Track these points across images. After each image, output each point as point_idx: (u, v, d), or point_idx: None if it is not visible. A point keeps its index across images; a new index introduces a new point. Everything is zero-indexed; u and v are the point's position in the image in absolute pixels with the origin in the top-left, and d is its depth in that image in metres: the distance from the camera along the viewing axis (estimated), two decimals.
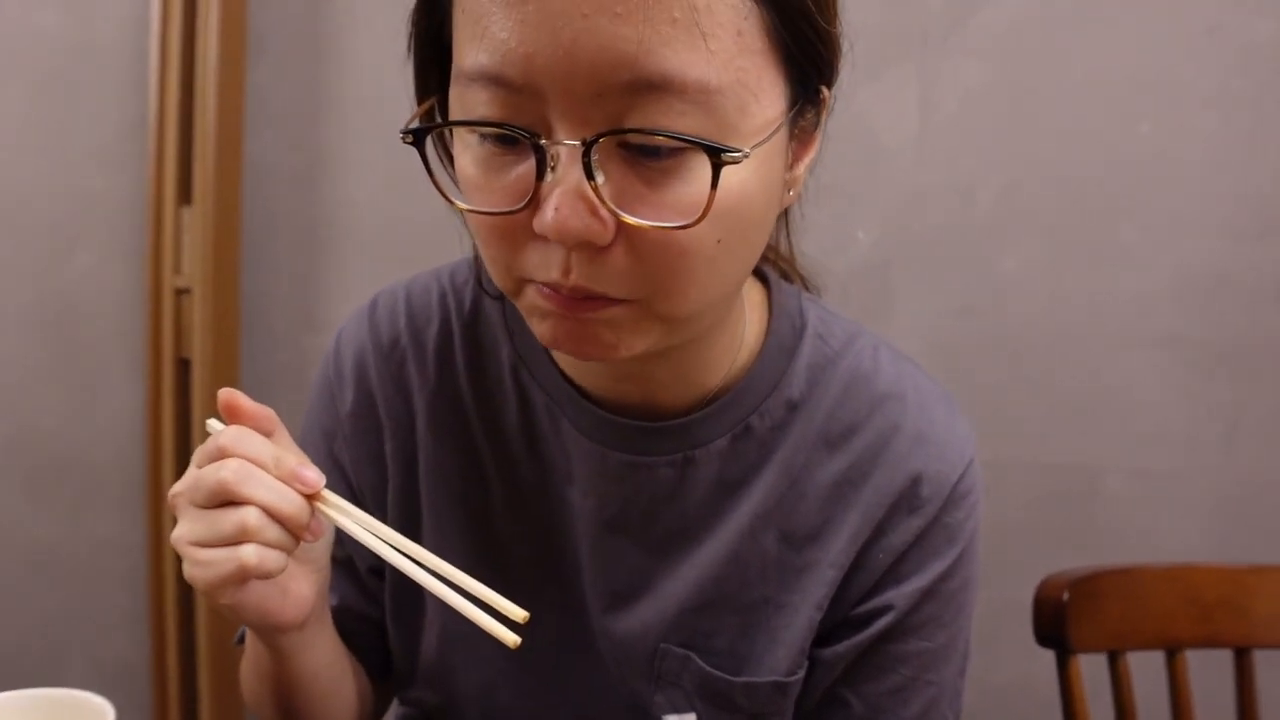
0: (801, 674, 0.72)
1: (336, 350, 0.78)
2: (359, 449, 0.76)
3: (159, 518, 1.65)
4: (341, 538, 0.66)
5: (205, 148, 1.58)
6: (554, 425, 0.72)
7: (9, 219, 1.64)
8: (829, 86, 0.61)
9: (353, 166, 1.62)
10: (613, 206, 0.53)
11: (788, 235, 0.76)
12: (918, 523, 0.70)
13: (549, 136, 0.53)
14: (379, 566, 0.77)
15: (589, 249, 0.54)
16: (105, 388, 1.68)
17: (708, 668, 0.72)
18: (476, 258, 0.75)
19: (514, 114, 0.53)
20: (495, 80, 0.53)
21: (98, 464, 1.69)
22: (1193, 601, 1.05)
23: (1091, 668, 1.04)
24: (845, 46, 0.60)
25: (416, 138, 0.58)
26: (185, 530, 0.59)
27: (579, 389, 0.71)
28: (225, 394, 0.62)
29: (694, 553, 0.72)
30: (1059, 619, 1.01)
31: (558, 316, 0.57)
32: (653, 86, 0.51)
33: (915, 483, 0.70)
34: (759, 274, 0.74)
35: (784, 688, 0.71)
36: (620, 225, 0.54)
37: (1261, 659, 1.05)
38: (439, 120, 0.62)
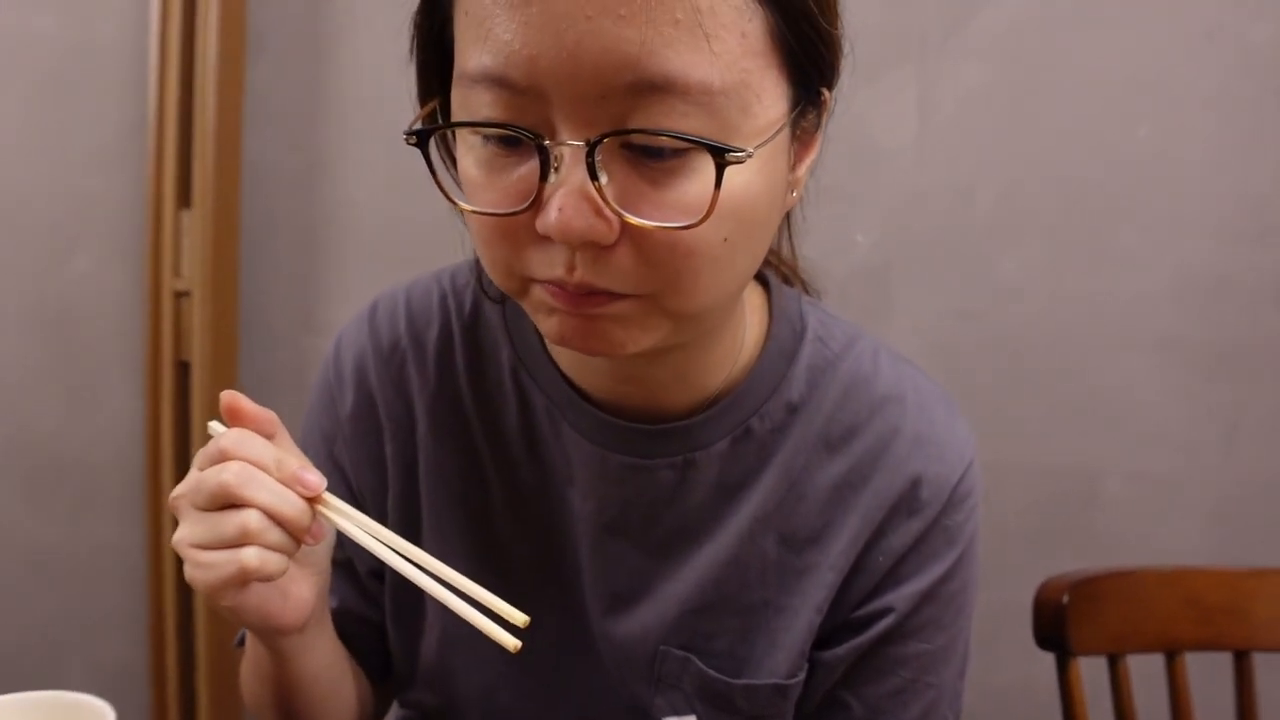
0: (801, 676, 0.72)
1: (336, 353, 0.78)
2: (359, 451, 0.76)
3: (158, 520, 1.65)
4: (341, 540, 0.66)
5: (204, 149, 1.58)
6: (554, 427, 0.72)
7: (8, 220, 1.64)
8: (830, 88, 0.61)
9: (352, 168, 1.62)
10: (616, 207, 0.53)
11: (789, 238, 0.76)
12: (917, 525, 0.70)
13: (552, 137, 0.53)
14: (379, 569, 0.77)
15: (593, 248, 0.54)
16: (104, 390, 1.68)
17: (708, 670, 0.72)
18: (477, 260, 0.75)
19: (517, 115, 0.53)
20: (499, 82, 0.53)
21: (97, 466, 1.69)
22: (1193, 604, 1.05)
23: (1091, 670, 1.04)
24: (846, 48, 0.61)
25: (420, 139, 0.58)
26: (186, 532, 0.59)
27: (579, 391, 0.71)
28: (227, 396, 0.62)
29: (694, 555, 0.72)
30: (1059, 621, 1.01)
31: (564, 313, 0.58)
32: (656, 88, 0.51)
33: (915, 485, 0.70)
34: (759, 277, 0.75)
35: (784, 690, 0.71)
36: (625, 225, 0.54)
37: (1261, 662, 1.05)
38: (441, 122, 0.62)
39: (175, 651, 1.64)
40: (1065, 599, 1.01)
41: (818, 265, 0.80)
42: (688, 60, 0.51)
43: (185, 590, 1.63)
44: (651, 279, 0.56)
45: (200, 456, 0.61)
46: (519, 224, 0.55)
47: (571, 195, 0.53)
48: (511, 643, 0.56)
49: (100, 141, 1.63)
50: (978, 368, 1.43)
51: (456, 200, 0.58)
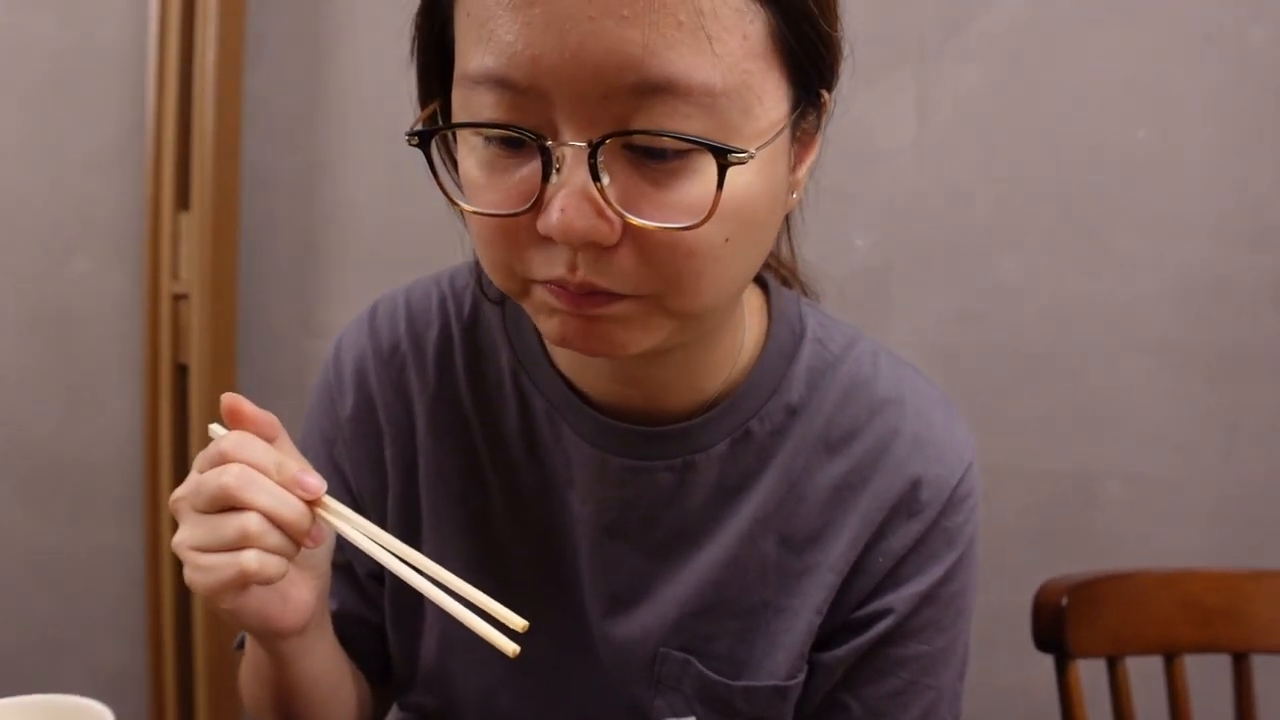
0: (801, 678, 0.72)
1: (336, 356, 0.78)
2: (359, 453, 0.76)
3: (156, 522, 1.65)
4: (341, 543, 0.66)
5: (203, 152, 1.58)
6: (554, 430, 0.72)
7: (7, 222, 1.64)
8: (829, 90, 0.61)
9: (351, 170, 1.62)
10: (618, 208, 0.53)
11: (789, 240, 0.76)
12: (917, 527, 0.70)
13: (554, 138, 0.53)
14: (378, 572, 0.77)
15: (594, 249, 0.54)
16: (103, 392, 1.68)
17: (707, 672, 0.72)
18: (477, 262, 0.75)
19: (519, 116, 0.54)
20: (500, 82, 0.53)
21: (95, 468, 1.69)
22: (1191, 607, 1.05)
23: (1090, 673, 1.04)
24: (845, 50, 0.61)
25: (422, 140, 0.58)
26: (186, 535, 0.59)
27: (579, 393, 0.71)
28: (228, 399, 0.62)
29: (694, 557, 0.72)
30: (1058, 624, 1.01)
31: (566, 314, 0.58)
32: (658, 89, 0.51)
33: (915, 487, 0.70)
34: (758, 280, 0.75)
35: (784, 692, 0.71)
36: (626, 226, 0.54)
37: (1260, 664, 1.06)
38: (441, 123, 0.62)
39: (173, 654, 1.64)
40: (1064, 601, 1.01)
41: (816, 267, 0.80)
42: (690, 62, 0.51)
43: (184, 593, 1.63)
44: (653, 279, 0.56)
45: (200, 459, 0.61)
46: (520, 225, 0.55)
47: (573, 196, 0.53)
48: (510, 647, 0.56)
49: (99, 143, 1.63)
50: (977, 369, 1.43)
51: (458, 201, 0.58)
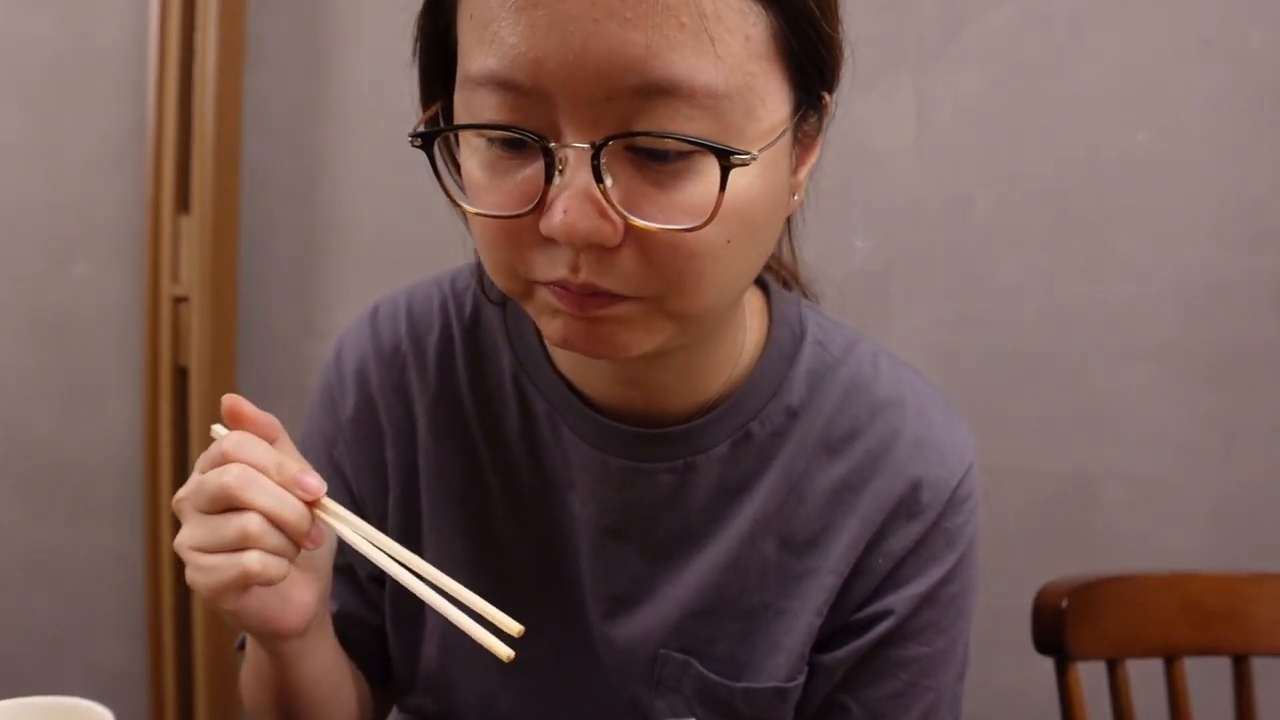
0: (801, 680, 0.72)
1: (338, 357, 0.78)
2: (360, 455, 0.76)
3: (156, 524, 1.65)
4: (342, 545, 0.66)
5: (203, 154, 1.58)
6: (555, 432, 0.72)
7: (7, 225, 1.64)
8: (831, 92, 0.61)
9: (351, 174, 1.62)
10: (621, 209, 0.53)
11: (790, 242, 0.76)
12: (917, 528, 0.70)
13: (557, 140, 0.53)
14: (379, 574, 0.77)
15: (597, 250, 0.55)
16: (103, 395, 1.68)
17: (708, 673, 0.72)
18: (478, 264, 0.75)
19: (522, 118, 0.54)
20: (504, 84, 0.53)
21: (95, 471, 1.69)
22: (1192, 609, 1.05)
23: (1090, 675, 1.04)
24: (846, 52, 0.61)
25: (425, 142, 0.58)
26: (187, 535, 0.59)
27: (580, 395, 0.71)
28: (228, 400, 0.62)
29: (694, 559, 0.72)
30: (1058, 626, 1.01)
31: (568, 315, 0.58)
32: (661, 91, 0.51)
33: (915, 488, 0.70)
34: (759, 282, 0.75)
35: (784, 693, 0.71)
36: (629, 227, 0.54)
37: (1260, 667, 1.05)
38: (443, 124, 0.62)
39: (173, 655, 1.64)
40: (1064, 604, 1.01)
41: (816, 268, 0.80)
42: (693, 64, 0.51)
43: (183, 594, 1.63)
44: (655, 280, 0.56)
45: (202, 460, 0.61)
46: (523, 226, 0.56)
47: (576, 197, 0.53)
48: (505, 652, 0.56)
49: (99, 146, 1.63)
50: (976, 370, 1.43)
51: (460, 203, 0.58)
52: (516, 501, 0.74)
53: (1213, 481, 1.39)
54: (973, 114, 1.41)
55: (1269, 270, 1.35)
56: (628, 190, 0.54)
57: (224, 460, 0.59)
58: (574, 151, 0.53)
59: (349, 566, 0.77)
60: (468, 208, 0.58)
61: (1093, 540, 1.42)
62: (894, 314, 1.45)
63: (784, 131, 0.57)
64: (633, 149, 0.53)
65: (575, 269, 0.55)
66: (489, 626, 0.57)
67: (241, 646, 0.76)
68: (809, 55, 0.57)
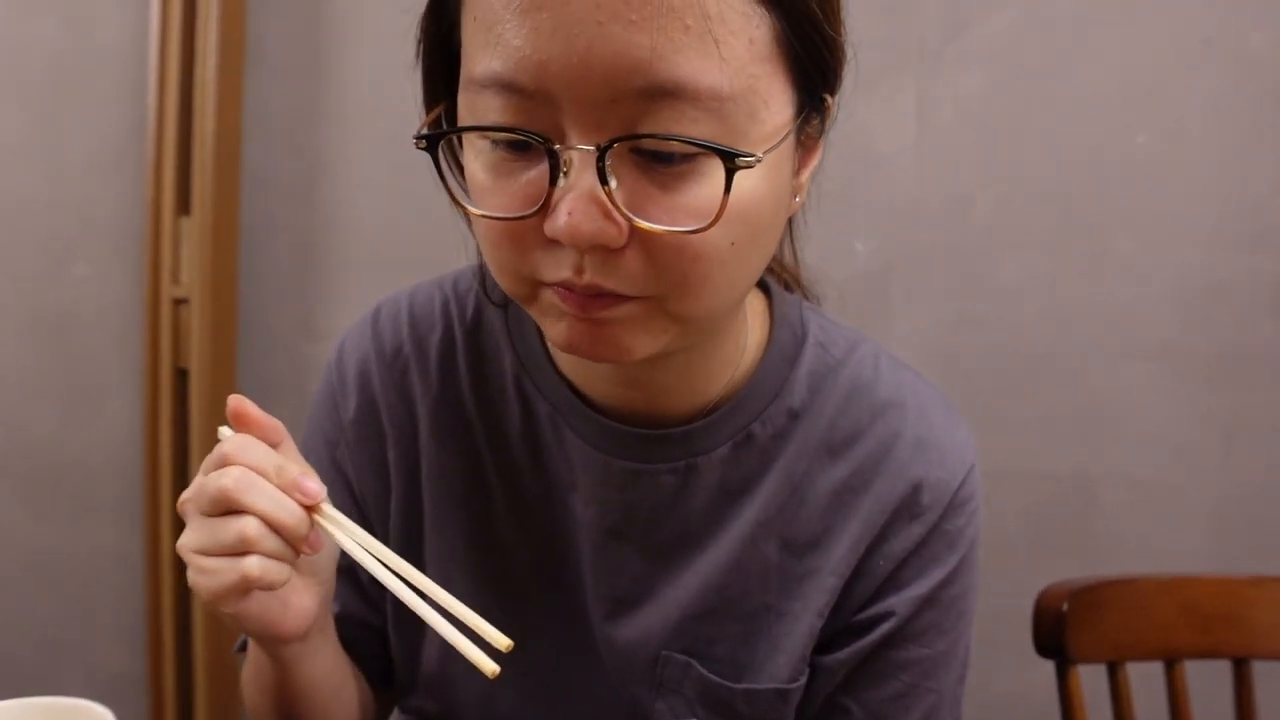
0: (803, 681, 0.72)
1: (339, 358, 0.78)
2: (362, 456, 0.76)
3: (156, 526, 1.65)
4: None
5: (203, 156, 1.58)
6: (556, 433, 0.72)
7: (8, 226, 1.64)
8: (833, 94, 0.61)
9: (351, 175, 1.63)
10: (626, 211, 0.53)
11: (791, 244, 0.76)
12: (918, 529, 0.70)
13: (562, 142, 0.53)
14: None
15: (601, 251, 0.55)
16: (103, 397, 1.68)
17: (709, 675, 0.72)
18: (481, 266, 0.75)
19: (526, 120, 0.54)
20: (508, 86, 0.53)
21: (95, 473, 1.69)
22: (1192, 612, 1.05)
23: (1091, 678, 1.04)
24: (849, 53, 0.61)
25: (430, 144, 0.58)
26: (189, 537, 0.60)
27: (581, 396, 0.71)
28: (234, 401, 0.62)
29: (696, 560, 0.72)
30: (1059, 629, 1.01)
31: (572, 319, 0.58)
32: (666, 93, 0.52)
33: (916, 490, 0.70)
34: (760, 283, 0.75)
35: (785, 695, 0.71)
36: (633, 228, 0.54)
37: (1260, 670, 1.05)
38: (446, 126, 0.62)
39: (173, 656, 1.64)
40: (1065, 607, 1.01)
41: (817, 269, 0.80)
42: (697, 66, 0.51)
43: (183, 595, 1.63)
44: (659, 281, 0.56)
45: (206, 461, 0.61)
46: (527, 228, 0.56)
47: (581, 199, 0.53)
48: (490, 668, 0.55)
49: (100, 147, 1.63)
50: (977, 372, 1.43)
51: (464, 205, 0.58)
52: (518, 503, 0.74)
53: (1213, 482, 1.39)
54: (973, 115, 1.41)
55: (1269, 271, 1.35)
56: (632, 192, 0.54)
57: (225, 463, 0.59)
58: (579, 154, 0.53)
59: (351, 568, 0.77)
60: (472, 210, 0.58)
61: (1093, 541, 1.42)
62: (894, 315, 1.45)
63: (787, 134, 0.57)
64: (637, 151, 0.53)
65: (579, 271, 0.55)
66: (481, 639, 0.56)
67: (242, 648, 0.76)
68: (812, 58, 0.57)
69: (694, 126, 0.52)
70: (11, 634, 1.68)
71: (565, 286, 0.56)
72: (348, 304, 1.64)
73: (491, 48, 0.53)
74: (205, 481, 0.59)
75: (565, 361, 0.72)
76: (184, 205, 1.60)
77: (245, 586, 0.58)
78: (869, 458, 0.70)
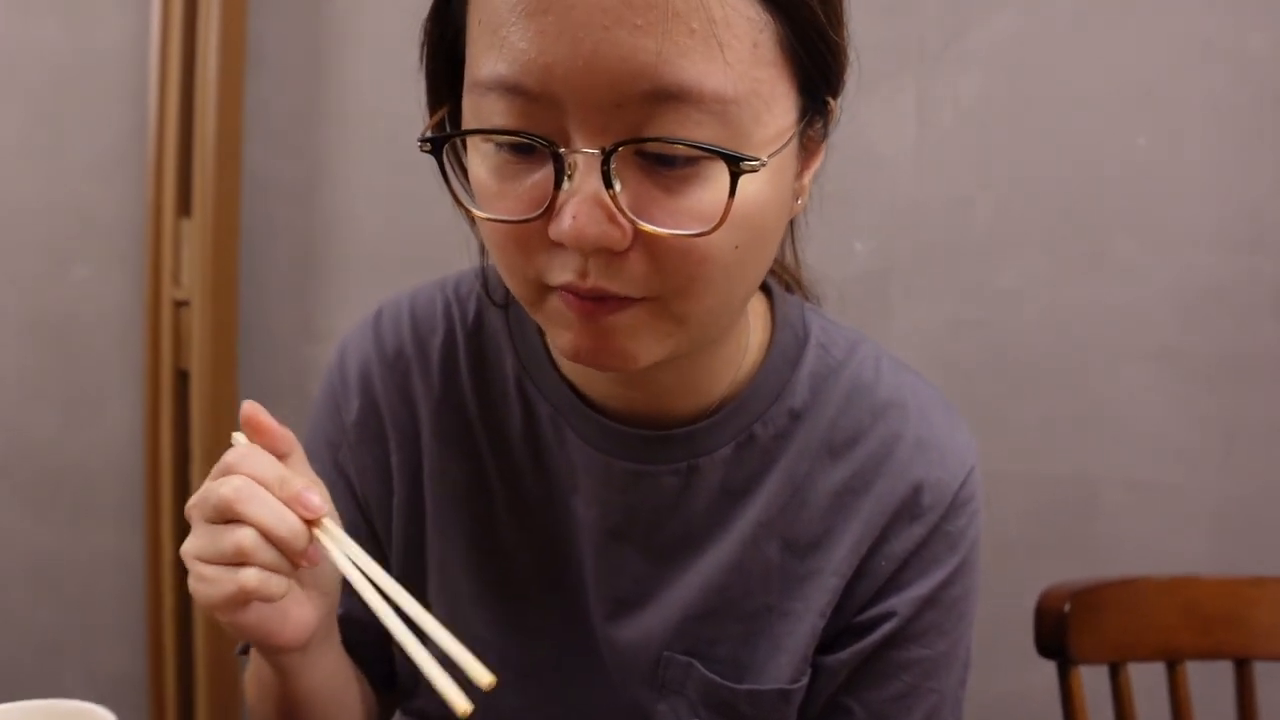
0: (804, 681, 0.72)
1: (341, 360, 0.78)
2: (364, 458, 0.76)
3: (157, 528, 1.65)
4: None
5: (204, 158, 1.58)
6: (558, 434, 0.72)
7: (8, 229, 1.64)
8: (835, 97, 0.61)
9: (351, 178, 1.63)
10: (631, 215, 0.54)
11: (793, 246, 0.77)
12: (919, 530, 0.70)
13: (567, 145, 0.53)
14: None
15: (606, 254, 0.55)
16: (104, 398, 1.68)
17: (711, 675, 0.72)
18: (483, 268, 0.75)
19: (531, 123, 0.54)
20: (513, 89, 0.53)
21: (96, 475, 1.69)
22: (1193, 613, 1.05)
23: (1092, 679, 1.04)
24: (851, 57, 0.61)
25: (435, 146, 0.58)
26: (191, 543, 0.60)
27: (583, 398, 0.72)
28: (248, 407, 0.62)
29: (697, 561, 0.72)
30: (1060, 630, 1.01)
31: (578, 329, 0.58)
32: (671, 97, 0.52)
33: (917, 491, 0.70)
34: (762, 284, 0.75)
35: (787, 695, 0.71)
36: (638, 231, 0.54)
37: (1262, 670, 1.05)
38: (450, 128, 0.62)
39: (174, 659, 1.64)
40: (1066, 608, 1.01)
41: (817, 271, 0.81)
42: (703, 70, 0.52)
43: (184, 598, 1.63)
44: (663, 283, 0.56)
45: (215, 468, 0.61)
46: (532, 230, 0.56)
47: (585, 202, 0.53)
48: (463, 707, 0.53)
49: (100, 150, 1.63)
50: (977, 374, 1.43)
51: (469, 207, 0.58)
52: (520, 504, 0.74)
53: (1213, 484, 1.39)
54: (973, 117, 1.41)
55: (1269, 273, 1.35)
56: (636, 195, 0.54)
57: (229, 471, 0.59)
58: (583, 157, 0.53)
59: None
60: (477, 213, 0.58)
61: (1093, 544, 1.42)
62: (894, 316, 1.45)
63: (791, 137, 0.57)
64: (641, 154, 0.53)
65: (584, 274, 0.55)
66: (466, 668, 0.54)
67: (245, 650, 0.76)
68: (815, 61, 0.57)
69: (698, 130, 0.52)
70: (12, 636, 1.68)
71: (570, 289, 0.56)
72: (348, 306, 1.64)
73: (496, 50, 0.53)
74: (209, 489, 0.59)
75: (566, 363, 0.72)
76: (185, 207, 1.61)
77: (242, 598, 0.58)
78: (870, 459, 0.71)
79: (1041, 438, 1.42)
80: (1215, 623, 1.05)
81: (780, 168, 0.57)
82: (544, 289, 0.58)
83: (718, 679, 0.72)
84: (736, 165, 0.53)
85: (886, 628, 0.71)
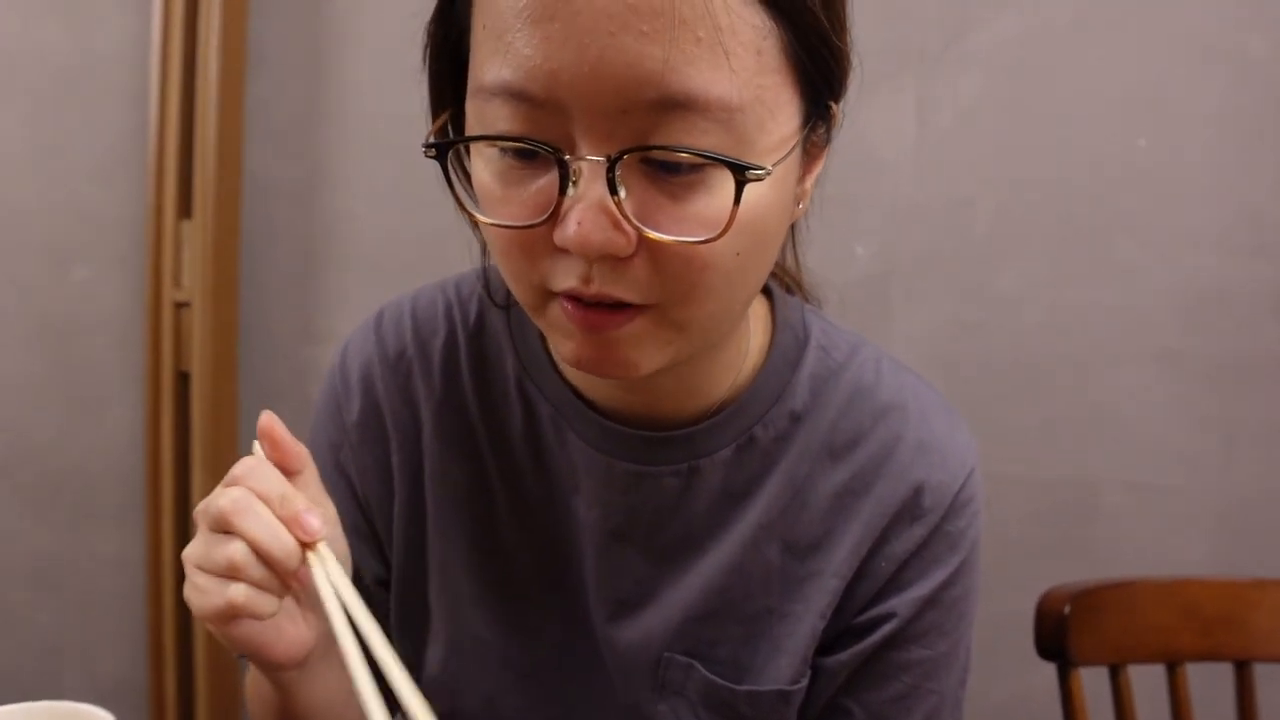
0: (805, 683, 0.72)
1: (343, 361, 0.78)
2: (365, 459, 0.76)
3: (158, 531, 1.65)
4: (349, 549, 0.66)
5: (205, 161, 1.58)
6: (559, 436, 0.72)
7: (9, 231, 1.64)
8: (838, 102, 0.61)
9: (351, 180, 1.63)
10: (636, 222, 0.54)
11: (794, 249, 0.77)
12: (920, 531, 0.70)
13: (572, 151, 0.53)
14: (385, 579, 0.77)
15: (610, 260, 0.55)
16: (104, 400, 1.68)
17: (711, 676, 0.72)
18: (484, 269, 0.75)
19: (536, 129, 0.54)
20: (518, 95, 0.53)
21: (96, 477, 1.69)
22: (1193, 615, 1.05)
23: (1092, 681, 1.04)
24: (854, 61, 0.61)
25: (439, 151, 0.58)
26: (192, 549, 0.60)
27: (584, 399, 0.72)
28: (265, 419, 0.62)
29: (698, 562, 0.72)
30: (1060, 632, 1.01)
31: (581, 338, 0.58)
32: (677, 104, 0.52)
33: (917, 492, 0.70)
34: (763, 287, 0.75)
35: (787, 696, 0.71)
36: (642, 237, 0.54)
37: (1262, 672, 1.05)
38: (452, 133, 0.62)
39: (174, 663, 1.64)
40: (1067, 609, 1.01)
41: (817, 274, 0.81)
42: (708, 77, 0.52)
43: (184, 601, 1.63)
44: (665, 289, 0.56)
45: (226, 476, 0.61)
46: (536, 236, 0.56)
47: (590, 209, 0.53)
48: None
49: (101, 152, 1.64)
50: (977, 377, 1.43)
51: (474, 213, 0.58)
52: (521, 505, 0.74)
53: (1214, 488, 1.39)
54: (974, 120, 1.41)
55: (1270, 277, 1.36)
56: (641, 202, 0.54)
57: (233, 482, 0.60)
58: (589, 164, 0.53)
59: (358, 572, 0.77)
60: (481, 218, 0.58)
61: (1094, 547, 1.42)
62: (894, 320, 1.45)
63: (795, 144, 0.57)
64: (646, 161, 0.54)
65: (587, 280, 0.55)
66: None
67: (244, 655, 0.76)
68: (819, 68, 0.57)
69: (704, 138, 0.52)
70: (13, 639, 1.68)
71: (573, 296, 0.56)
72: (349, 307, 1.64)
73: (502, 55, 0.53)
74: (213, 496, 0.60)
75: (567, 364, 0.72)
76: (185, 209, 1.61)
77: (230, 613, 0.58)
78: (870, 460, 0.71)
79: (1042, 440, 1.43)
80: (1215, 625, 1.05)
81: (783, 174, 0.57)
82: (547, 294, 0.58)
83: (718, 680, 0.72)
84: (742, 174, 0.53)
85: (887, 628, 0.71)
